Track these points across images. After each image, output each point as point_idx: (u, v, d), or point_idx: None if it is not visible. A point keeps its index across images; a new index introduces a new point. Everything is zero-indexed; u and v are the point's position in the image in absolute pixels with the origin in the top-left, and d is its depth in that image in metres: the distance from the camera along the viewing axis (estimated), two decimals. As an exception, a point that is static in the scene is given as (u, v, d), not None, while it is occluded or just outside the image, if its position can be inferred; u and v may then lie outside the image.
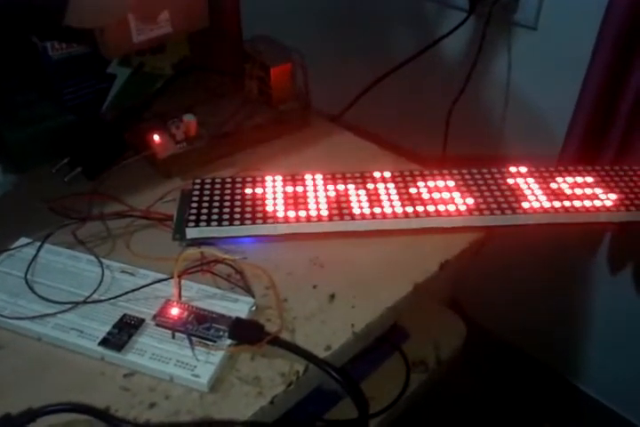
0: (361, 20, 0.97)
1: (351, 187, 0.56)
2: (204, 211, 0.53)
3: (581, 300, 0.93)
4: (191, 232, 0.52)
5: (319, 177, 0.57)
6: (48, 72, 0.65)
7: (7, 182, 0.58)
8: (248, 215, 0.52)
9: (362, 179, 0.57)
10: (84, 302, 0.45)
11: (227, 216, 0.52)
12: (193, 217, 0.52)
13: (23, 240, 0.51)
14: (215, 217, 0.52)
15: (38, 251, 0.49)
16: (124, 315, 0.44)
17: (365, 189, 0.55)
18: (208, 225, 0.52)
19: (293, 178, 0.57)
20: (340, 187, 0.56)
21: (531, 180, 0.57)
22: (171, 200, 0.56)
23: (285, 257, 0.52)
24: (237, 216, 0.53)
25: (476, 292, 1.02)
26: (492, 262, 0.86)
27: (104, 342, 0.42)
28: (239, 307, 0.45)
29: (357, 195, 0.55)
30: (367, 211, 0.53)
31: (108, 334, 0.42)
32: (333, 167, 0.58)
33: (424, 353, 0.63)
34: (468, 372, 0.97)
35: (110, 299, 0.45)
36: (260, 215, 0.52)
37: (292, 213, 0.52)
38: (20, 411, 0.38)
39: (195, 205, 0.54)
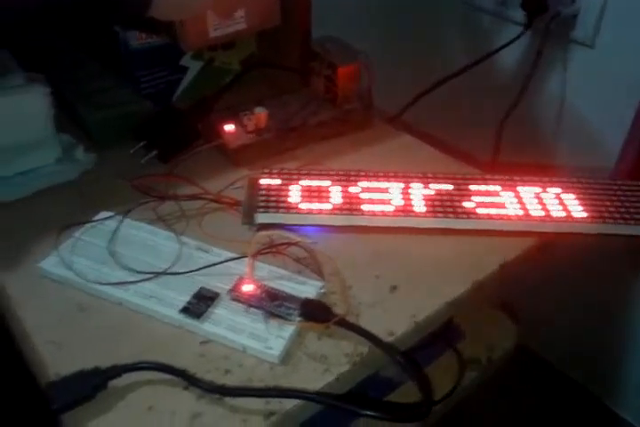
0: (419, 29, 0.99)
1: (415, 186, 0.58)
2: (273, 198, 0.55)
3: (627, 322, 0.92)
4: (260, 217, 0.54)
5: (380, 175, 0.59)
6: (127, 60, 0.68)
7: (88, 161, 0.61)
8: (315, 206, 0.55)
9: (425, 179, 0.59)
10: (164, 273, 0.47)
11: (294, 205, 0.55)
12: (262, 203, 0.55)
13: (104, 214, 0.53)
14: (283, 204, 0.55)
15: (120, 224, 0.52)
16: (201, 288, 0.46)
17: (428, 188, 0.58)
18: (276, 212, 0.54)
19: (357, 174, 0.59)
20: (401, 185, 0.58)
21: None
22: (239, 187, 0.59)
23: (349, 248, 0.53)
24: (304, 206, 0.55)
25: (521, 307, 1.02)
26: (540, 278, 0.86)
27: (185, 310, 0.44)
28: (307, 289, 0.47)
29: (422, 194, 0.57)
30: (430, 209, 0.55)
31: (188, 303, 0.45)
32: (391, 167, 0.60)
33: (477, 353, 0.64)
34: (502, 390, 0.97)
35: (188, 272, 0.48)
36: (326, 206, 0.55)
37: (356, 207, 0.55)
38: (108, 366, 0.40)
39: (263, 192, 0.56)
